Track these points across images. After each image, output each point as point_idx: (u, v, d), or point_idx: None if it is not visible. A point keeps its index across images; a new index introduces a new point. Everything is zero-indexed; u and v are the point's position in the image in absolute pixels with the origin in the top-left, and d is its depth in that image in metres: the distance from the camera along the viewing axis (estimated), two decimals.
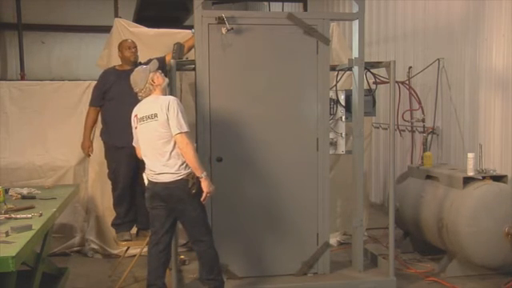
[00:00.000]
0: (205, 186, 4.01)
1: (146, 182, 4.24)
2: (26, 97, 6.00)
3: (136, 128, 4.18)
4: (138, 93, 4.17)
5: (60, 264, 5.11)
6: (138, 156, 4.35)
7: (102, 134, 5.34)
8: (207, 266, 4.24)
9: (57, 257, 5.63)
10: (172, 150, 4.02)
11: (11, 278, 3.40)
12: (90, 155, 5.47)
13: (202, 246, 4.21)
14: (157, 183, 4.09)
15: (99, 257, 5.86)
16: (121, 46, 5.30)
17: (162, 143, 4.03)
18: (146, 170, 4.19)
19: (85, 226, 5.96)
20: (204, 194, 4.03)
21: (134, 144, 4.32)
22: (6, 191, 4.38)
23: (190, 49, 5.17)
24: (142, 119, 4.11)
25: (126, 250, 5.39)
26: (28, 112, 5.96)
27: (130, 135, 5.00)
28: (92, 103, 5.32)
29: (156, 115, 4.03)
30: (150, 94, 4.14)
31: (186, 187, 4.02)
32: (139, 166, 5.17)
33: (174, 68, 4.58)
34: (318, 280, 4.81)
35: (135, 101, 5.21)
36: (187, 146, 3.97)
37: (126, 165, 5.15)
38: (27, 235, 3.30)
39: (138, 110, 4.16)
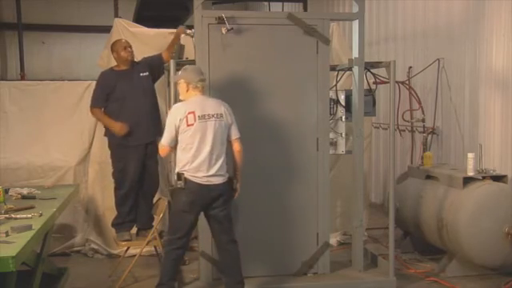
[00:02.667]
0: (239, 187, 4.22)
1: (179, 184, 4.04)
2: (25, 97, 5.99)
3: (191, 125, 4.00)
4: (203, 84, 4.12)
5: (60, 264, 5.11)
6: (163, 154, 4.21)
7: (106, 134, 5.33)
8: (239, 266, 4.24)
9: (57, 257, 5.63)
10: (224, 152, 4.11)
11: (11, 278, 3.40)
12: (127, 129, 5.15)
13: (236, 246, 4.26)
14: (208, 186, 4.03)
15: (99, 257, 5.86)
16: (115, 47, 5.29)
17: (221, 144, 4.09)
18: (190, 172, 4.02)
19: (85, 226, 5.96)
20: (236, 194, 4.24)
21: (166, 143, 4.09)
22: (6, 191, 4.38)
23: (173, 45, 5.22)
24: (202, 117, 4.03)
25: (126, 250, 5.39)
26: (28, 112, 5.95)
27: (137, 133, 5.08)
28: (96, 104, 5.27)
29: (222, 116, 4.09)
30: (202, 93, 4.14)
31: (231, 188, 4.16)
32: (146, 164, 5.19)
33: (174, 68, 4.57)
34: (318, 280, 4.81)
35: (138, 99, 5.24)
36: (242, 150, 4.19)
37: (134, 163, 5.18)
38: (27, 235, 3.30)
39: (195, 107, 4.04)
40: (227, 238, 4.23)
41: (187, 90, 4.12)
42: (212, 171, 4.04)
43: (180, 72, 4.23)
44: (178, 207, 4.12)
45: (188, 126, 4.02)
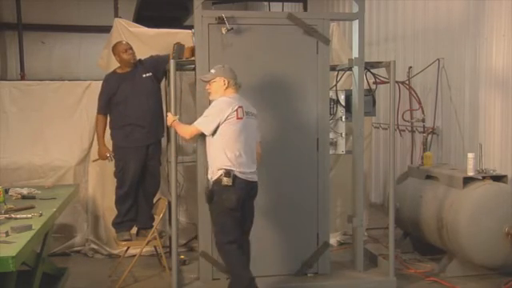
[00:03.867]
0: None
1: (226, 181, 3.91)
2: (25, 97, 5.98)
3: (240, 119, 4.00)
4: (239, 83, 4.16)
5: (60, 264, 5.11)
6: (188, 137, 4.16)
7: (110, 135, 5.34)
8: (248, 265, 4.21)
9: (57, 257, 5.63)
10: None
11: (11, 278, 3.41)
12: (111, 159, 5.30)
13: (249, 245, 4.26)
14: (251, 182, 4.05)
15: (99, 257, 5.86)
16: (116, 50, 5.28)
17: (256, 143, 4.18)
18: (236, 168, 3.94)
19: (85, 226, 5.96)
20: None
21: (202, 128, 4.04)
22: (6, 191, 4.37)
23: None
24: (247, 113, 4.08)
25: (126, 250, 5.39)
26: (28, 112, 5.94)
27: (138, 135, 5.08)
28: (100, 111, 5.30)
29: (256, 117, 4.18)
30: (237, 92, 4.18)
31: None
32: (147, 164, 5.21)
33: (174, 68, 4.57)
34: (318, 280, 4.81)
35: (140, 101, 5.25)
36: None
37: (134, 164, 5.19)
38: (27, 235, 3.29)
39: (241, 102, 4.06)
40: (245, 238, 4.22)
41: (226, 88, 4.11)
42: (253, 168, 4.08)
43: (214, 71, 4.16)
44: (226, 206, 3.96)
45: (238, 119, 3.99)
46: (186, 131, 4.16)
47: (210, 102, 4.56)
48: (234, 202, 3.96)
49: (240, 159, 3.98)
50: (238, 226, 4.05)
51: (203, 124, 4.05)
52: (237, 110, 4.00)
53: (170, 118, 4.31)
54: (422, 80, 7.05)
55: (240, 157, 3.98)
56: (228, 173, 3.93)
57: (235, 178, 3.94)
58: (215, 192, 4.00)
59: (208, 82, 4.17)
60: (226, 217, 4.00)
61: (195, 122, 4.12)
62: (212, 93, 4.16)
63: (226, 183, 3.92)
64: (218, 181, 3.98)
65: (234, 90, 4.14)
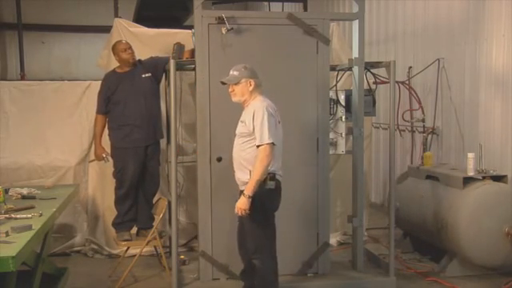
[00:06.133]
0: None
1: (270, 184, 3.81)
2: (25, 97, 5.98)
3: (279, 122, 3.95)
4: (261, 83, 4.02)
5: (60, 264, 5.11)
6: (270, 156, 3.76)
7: (108, 136, 5.34)
8: None
9: (57, 257, 5.63)
10: None
11: (11, 278, 3.41)
12: (108, 160, 5.32)
13: None
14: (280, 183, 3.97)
15: (99, 257, 5.86)
16: (116, 50, 5.28)
17: None
18: (278, 171, 3.89)
19: (85, 225, 5.96)
20: None
21: (273, 140, 3.80)
22: (6, 191, 4.38)
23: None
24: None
25: (126, 250, 5.39)
26: (28, 112, 5.95)
27: (136, 136, 5.07)
28: (99, 111, 5.31)
29: None
30: None
31: None
32: (146, 165, 5.20)
33: (174, 68, 4.57)
34: (318, 280, 4.81)
35: (138, 101, 5.25)
36: None
37: (133, 165, 5.18)
38: (27, 235, 3.30)
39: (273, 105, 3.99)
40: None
41: (253, 90, 3.96)
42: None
43: (237, 73, 3.95)
44: (272, 208, 3.93)
45: (279, 122, 3.94)
46: (264, 160, 3.74)
47: (209, 103, 4.58)
48: (277, 204, 3.94)
49: (279, 162, 3.93)
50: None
51: (273, 135, 3.77)
52: (277, 114, 3.95)
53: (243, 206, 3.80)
54: (422, 80, 7.05)
55: (279, 160, 3.92)
56: (273, 176, 3.84)
57: (277, 181, 3.89)
58: (256, 196, 3.76)
59: (232, 84, 3.98)
60: (271, 218, 3.92)
61: (262, 139, 3.75)
62: (237, 95, 3.97)
63: (270, 186, 3.80)
64: (261, 184, 3.78)
65: (259, 90, 4.01)
